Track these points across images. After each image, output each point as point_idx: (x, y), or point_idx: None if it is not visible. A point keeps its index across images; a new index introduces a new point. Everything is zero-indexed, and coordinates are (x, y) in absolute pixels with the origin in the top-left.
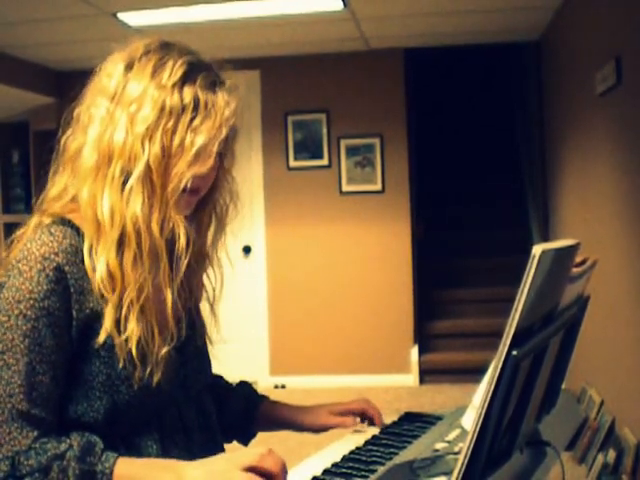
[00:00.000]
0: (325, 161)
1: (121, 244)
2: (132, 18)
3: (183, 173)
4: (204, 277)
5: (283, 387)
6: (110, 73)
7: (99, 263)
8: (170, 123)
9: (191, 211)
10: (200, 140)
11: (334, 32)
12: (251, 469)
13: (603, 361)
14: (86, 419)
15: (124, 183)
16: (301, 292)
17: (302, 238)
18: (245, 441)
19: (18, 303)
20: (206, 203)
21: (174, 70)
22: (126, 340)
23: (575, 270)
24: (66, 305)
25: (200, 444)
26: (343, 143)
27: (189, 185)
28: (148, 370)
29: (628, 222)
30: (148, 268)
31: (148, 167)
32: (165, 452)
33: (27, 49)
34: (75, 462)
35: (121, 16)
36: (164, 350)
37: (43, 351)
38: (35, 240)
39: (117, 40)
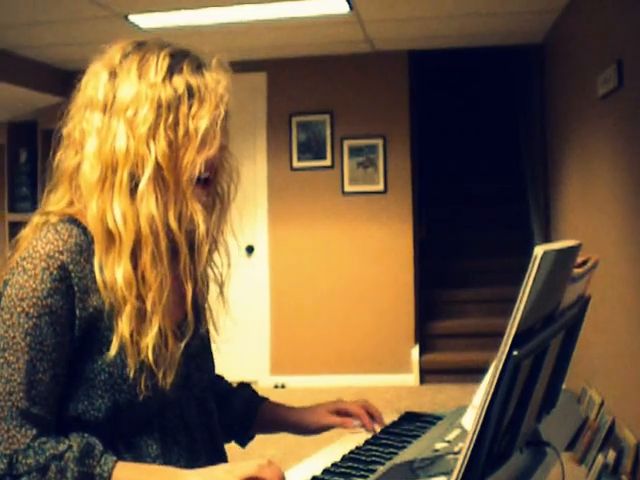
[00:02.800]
0: (328, 162)
1: (137, 249)
2: (143, 20)
3: (194, 160)
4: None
5: (283, 387)
6: (95, 85)
7: (116, 272)
8: (171, 117)
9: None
10: (203, 124)
11: (340, 34)
12: None
13: (603, 361)
14: (87, 417)
15: (133, 187)
16: (303, 292)
17: (305, 238)
18: (243, 443)
19: (21, 301)
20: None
21: (159, 65)
22: (139, 348)
23: (576, 271)
24: (69, 304)
25: (201, 443)
26: (346, 144)
27: (202, 171)
28: (161, 374)
29: (630, 223)
30: (167, 265)
31: (157, 165)
32: (165, 452)
33: (38, 50)
34: (74, 464)
35: (132, 18)
36: (179, 349)
37: (44, 349)
38: (41, 238)
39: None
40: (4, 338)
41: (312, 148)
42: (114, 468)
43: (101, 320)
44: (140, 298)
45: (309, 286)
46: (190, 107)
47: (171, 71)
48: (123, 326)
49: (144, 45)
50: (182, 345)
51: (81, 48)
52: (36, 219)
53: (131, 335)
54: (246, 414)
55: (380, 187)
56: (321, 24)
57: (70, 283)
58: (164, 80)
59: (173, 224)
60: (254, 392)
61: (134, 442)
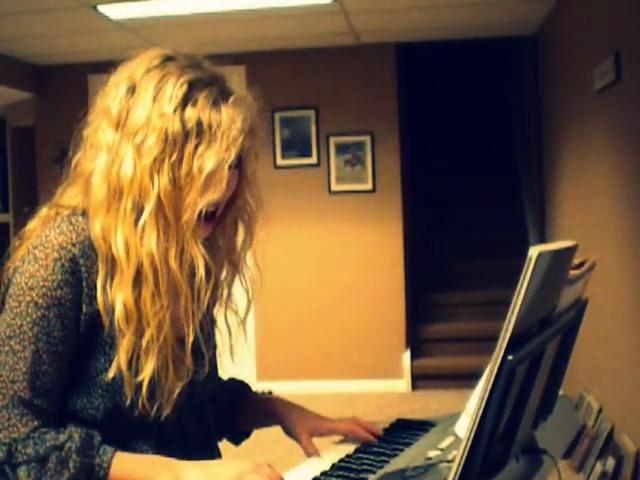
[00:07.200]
0: (314, 159)
1: (138, 281)
2: (113, 11)
3: (196, 203)
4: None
5: (270, 393)
6: (113, 96)
7: (116, 301)
8: (175, 154)
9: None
10: (208, 166)
11: (323, 26)
12: None
13: (602, 366)
14: (85, 415)
15: (137, 217)
16: (289, 295)
17: (290, 239)
18: (236, 440)
19: (30, 290)
20: (228, 210)
21: (174, 92)
22: (135, 380)
23: (573, 272)
24: (77, 298)
25: (196, 452)
26: (332, 141)
27: (204, 212)
28: (156, 406)
29: (627, 221)
30: (167, 305)
31: (159, 201)
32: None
33: (3, 42)
34: (76, 454)
35: (101, 9)
36: (177, 388)
37: (51, 341)
38: (54, 228)
39: (96, 33)
40: (11, 326)
41: (297, 145)
42: (113, 458)
43: (104, 317)
44: (139, 332)
45: (295, 289)
46: (197, 146)
47: (185, 102)
48: (120, 357)
49: (170, 62)
50: (185, 381)
51: (49, 40)
52: (45, 211)
53: (128, 366)
54: (231, 407)
55: (368, 186)
56: (303, 14)
57: (80, 277)
58: (175, 111)
59: (173, 264)
60: (242, 386)
61: (129, 445)
